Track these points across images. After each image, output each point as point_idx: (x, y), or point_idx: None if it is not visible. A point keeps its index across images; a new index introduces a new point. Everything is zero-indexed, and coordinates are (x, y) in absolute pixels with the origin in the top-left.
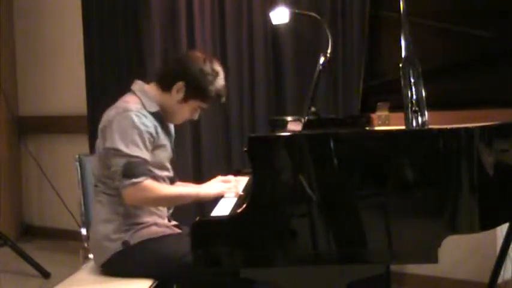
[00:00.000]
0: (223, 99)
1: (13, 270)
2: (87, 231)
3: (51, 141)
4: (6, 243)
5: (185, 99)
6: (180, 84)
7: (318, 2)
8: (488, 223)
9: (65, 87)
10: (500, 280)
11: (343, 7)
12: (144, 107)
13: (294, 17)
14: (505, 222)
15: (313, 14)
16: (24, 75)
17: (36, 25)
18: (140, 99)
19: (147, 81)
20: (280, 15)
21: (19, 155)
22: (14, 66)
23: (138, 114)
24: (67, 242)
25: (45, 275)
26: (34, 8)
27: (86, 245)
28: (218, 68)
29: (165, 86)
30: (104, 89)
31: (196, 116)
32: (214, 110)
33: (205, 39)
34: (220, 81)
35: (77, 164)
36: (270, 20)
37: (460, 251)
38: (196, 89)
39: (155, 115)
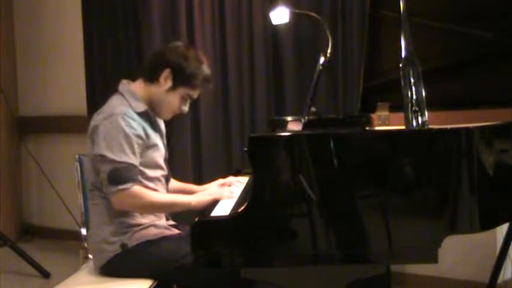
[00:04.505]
0: (211, 85)
1: (13, 270)
2: (87, 231)
3: (51, 141)
4: (6, 243)
5: (174, 86)
6: (166, 72)
7: (318, 2)
8: (488, 223)
9: (65, 87)
10: (500, 280)
11: (343, 7)
12: (131, 107)
13: (294, 17)
14: (505, 222)
15: (313, 14)
16: (24, 75)
17: (36, 25)
18: (127, 100)
19: (133, 79)
20: (280, 15)
21: (19, 155)
22: (14, 66)
23: (124, 117)
24: (67, 242)
25: (45, 275)
26: (34, 8)
27: (85, 245)
28: (202, 55)
29: (152, 77)
30: (104, 89)
31: (186, 109)
32: (214, 110)
33: (205, 39)
34: (205, 67)
35: (77, 164)
36: (270, 20)
37: (460, 251)
38: (183, 74)
39: (143, 115)
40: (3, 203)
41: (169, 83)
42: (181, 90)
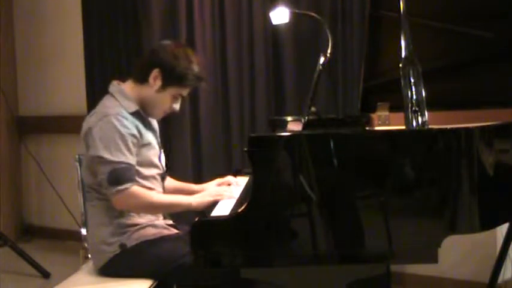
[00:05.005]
0: (203, 84)
1: (13, 270)
2: (87, 231)
3: (51, 141)
4: (6, 243)
5: (163, 86)
6: (155, 72)
7: (318, 2)
8: (488, 223)
9: (65, 87)
10: (500, 280)
11: (343, 7)
12: (123, 108)
13: (294, 17)
14: (505, 222)
15: (313, 14)
16: (24, 75)
17: (36, 25)
18: (118, 101)
19: (124, 80)
20: (280, 15)
21: (19, 155)
22: (14, 66)
23: (118, 118)
24: (67, 242)
25: (45, 275)
26: (34, 9)
27: (85, 245)
28: (192, 54)
29: (141, 77)
30: (104, 89)
31: (177, 107)
32: (214, 110)
33: (205, 39)
34: (196, 66)
35: (77, 164)
36: (270, 20)
37: (460, 251)
38: (172, 73)
39: (135, 115)
40: (3, 203)
41: (158, 83)
42: (172, 90)
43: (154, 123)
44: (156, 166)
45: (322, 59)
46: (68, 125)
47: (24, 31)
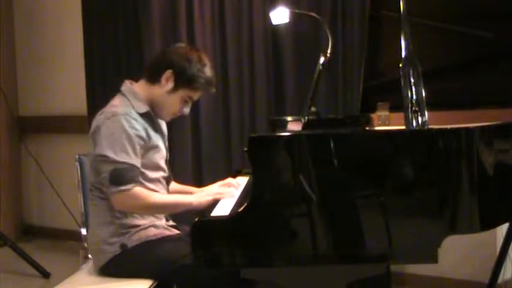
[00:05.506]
0: (213, 90)
1: (13, 270)
2: (87, 231)
3: (51, 141)
4: (6, 243)
5: (175, 88)
6: (168, 73)
7: (318, 2)
8: (488, 223)
9: (65, 87)
10: (500, 280)
11: (343, 7)
12: (134, 108)
13: (294, 17)
14: (505, 222)
15: (313, 14)
16: (24, 75)
17: (36, 25)
18: (129, 101)
19: (136, 79)
20: (280, 15)
21: (19, 155)
22: (14, 66)
23: (127, 118)
24: (67, 242)
25: (45, 275)
26: (34, 9)
27: (85, 245)
28: (205, 58)
29: (154, 77)
30: (104, 89)
31: (187, 110)
32: (214, 110)
33: (206, 40)
34: (208, 70)
35: (77, 164)
36: (270, 20)
37: (460, 251)
38: (185, 75)
39: (145, 116)
40: (3, 203)
41: (170, 84)
42: (182, 92)
43: (164, 126)
44: (161, 169)
45: (322, 59)
46: (68, 125)
47: (24, 31)
